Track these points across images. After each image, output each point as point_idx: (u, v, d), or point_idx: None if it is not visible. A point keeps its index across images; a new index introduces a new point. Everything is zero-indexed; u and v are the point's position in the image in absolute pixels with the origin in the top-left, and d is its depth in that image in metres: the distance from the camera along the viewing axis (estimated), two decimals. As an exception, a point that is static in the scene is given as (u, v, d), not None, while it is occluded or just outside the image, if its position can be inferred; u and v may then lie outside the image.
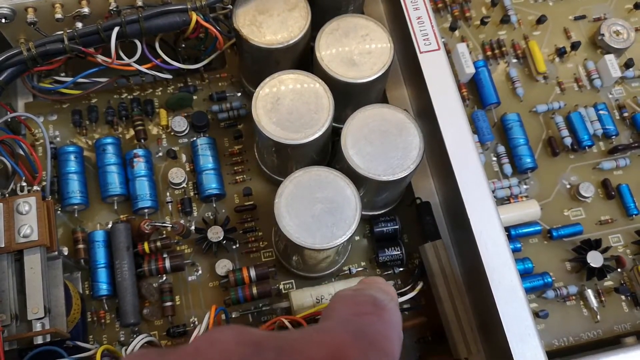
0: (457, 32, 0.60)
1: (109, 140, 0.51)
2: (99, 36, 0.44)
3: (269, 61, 0.48)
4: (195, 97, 0.55)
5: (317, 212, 0.41)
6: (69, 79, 0.48)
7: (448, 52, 0.57)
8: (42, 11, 0.45)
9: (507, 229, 0.50)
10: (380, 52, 0.46)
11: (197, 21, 0.45)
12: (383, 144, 0.43)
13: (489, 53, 0.59)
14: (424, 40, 0.45)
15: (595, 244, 0.50)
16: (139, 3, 0.46)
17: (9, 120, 0.48)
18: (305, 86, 0.45)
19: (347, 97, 0.47)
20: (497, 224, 0.41)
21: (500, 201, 0.53)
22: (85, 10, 0.45)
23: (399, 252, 0.48)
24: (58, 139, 0.53)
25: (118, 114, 0.54)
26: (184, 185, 0.52)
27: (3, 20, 0.44)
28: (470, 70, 0.56)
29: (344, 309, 0.30)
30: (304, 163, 0.47)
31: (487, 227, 0.41)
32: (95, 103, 0.54)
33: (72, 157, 0.50)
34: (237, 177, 0.52)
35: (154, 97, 0.55)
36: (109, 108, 0.54)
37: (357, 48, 0.46)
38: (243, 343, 0.23)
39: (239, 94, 0.55)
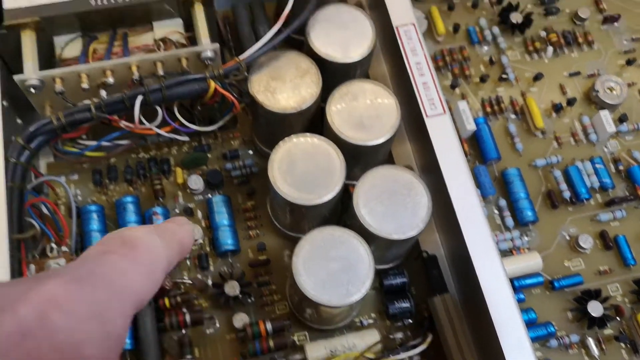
0: (457, 90, 0.63)
1: (129, 199, 0.53)
2: (124, 104, 0.47)
3: (282, 124, 0.50)
4: (209, 156, 0.57)
5: (332, 270, 0.43)
6: (92, 143, 0.51)
7: (449, 109, 0.60)
8: (69, 81, 0.48)
9: (511, 281, 0.52)
10: (388, 115, 0.49)
11: (215, 89, 0.48)
12: (393, 204, 0.46)
13: (488, 109, 0.62)
14: (430, 104, 0.48)
15: (595, 294, 0.52)
16: (160, 72, 0.48)
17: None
18: (317, 148, 0.47)
19: (357, 158, 0.49)
20: (503, 278, 0.43)
21: (503, 253, 0.55)
22: (110, 80, 0.48)
23: (408, 305, 0.50)
24: (79, 197, 0.55)
25: (136, 173, 0.56)
26: (200, 241, 0.54)
27: (32, 90, 0.47)
28: (471, 127, 0.59)
29: (91, 250, 0.31)
30: (316, 220, 0.49)
31: (494, 280, 0.43)
32: (114, 163, 0.57)
33: (94, 215, 0.52)
34: (251, 233, 0.55)
35: (170, 156, 0.57)
36: (128, 167, 0.56)
37: (366, 112, 0.49)
38: None
39: (251, 152, 0.58)
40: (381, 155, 0.52)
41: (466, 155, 0.59)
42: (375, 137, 0.48)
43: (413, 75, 0.49)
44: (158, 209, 0.53)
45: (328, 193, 0.46)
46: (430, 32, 0.66)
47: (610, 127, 0.59)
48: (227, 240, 0.53)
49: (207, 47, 0.49)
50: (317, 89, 0.50)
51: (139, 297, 0.30)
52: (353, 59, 0.51)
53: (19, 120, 0.53)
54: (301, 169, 0.47)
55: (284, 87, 0.50)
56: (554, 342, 0.52)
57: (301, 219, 0.50)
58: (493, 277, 0.44)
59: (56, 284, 0.26)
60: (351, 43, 0.52)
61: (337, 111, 0.49)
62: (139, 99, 0.46)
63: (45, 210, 0.50)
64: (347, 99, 0.49)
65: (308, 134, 0.48)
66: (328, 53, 0.51)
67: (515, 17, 0.65)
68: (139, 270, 0.30)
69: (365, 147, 0.48)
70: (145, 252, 0.31)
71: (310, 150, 0.48)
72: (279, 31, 0.50)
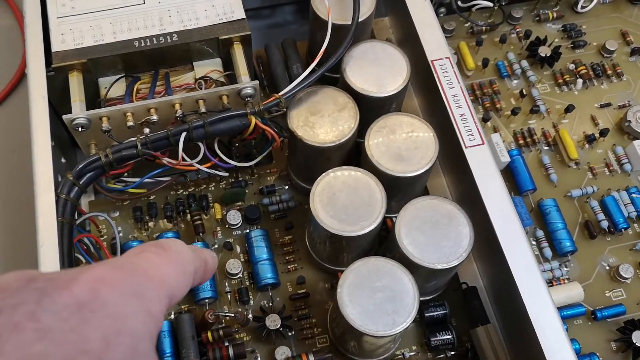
0: (489, 123, 0.64)
1: (169, 234, 0.54)
2: (168, 141, 0.48)
3: (320, 158, 0.51)
4: (247, 192, 0.58)
5: (377, 300, 0.44)
6: (135, 180, 0.52)
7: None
8: (114, 120, 0.49)
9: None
10: (426, 147, 0.49)
11: (255, 124, 0.49)
12: (435, 234, 0.46)
13: (521, 141, 0.63)
14: (468, 135, 0.49)
15: (638, 324, 0.52)
16: (202, 109, 0.50)
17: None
18: (358, 181, 0.48)
19: (395, 189, 0.50)
20: (552, 308, 0.43)
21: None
22: (154, 117, 0.49)
23: (450, 336, 0.50)
24: (121, 234, 0.56)
25: (176, 209, 0.57)
26: (240, 275, 0.54)
27: (80, 129, 0.48)
28: (505, 159, 0.59)
29: (128, 251, 0.34)
30: (355, 252, 0.50)
31: (543, 311, 0.43)
32: (153, 200, 0.57)
33: (136, 252, 0.53)
34: (290, 267, 0.55)
35: (208, 192, 0.58)
36: (167, 204, 0.57)
37: (404, 144, 0.50)
38: (19, 278, 0.27)
39: (287, 187, 0.59)
40: (418, 187, 0.53)
41: (501, 187, 0.60)
42: (414, 169, 0.49)
43: (450, 107, 0.50)
44: (198, 244, 0.54)
45: (370, 224, 0.46)
46: (460, 67, 0.67)
47: (644, 157, 0.60)
48: (267, 274, 0.53)
49: (247, 84, 0.51)
50: (355, 122, 0.51)
51: (172, 289, 0.33)
52: (389, 92, 0.52)
53: (63, 160, 0.54)
54: (342, 201, 0.47)
55: (323, 122, 0.51)
56: (598, 373, 0.51)
57: (341, 252, 0.50)
58: (541, 307, 0.44)
59: (102, 268, 0.29)
60: (386, 78, 0.53)
61: (376, 144, 0.50)
62: (183, 135, 0.48)
63: (90, 246, 0.51)
64: (385, 132, 0.50)
65: (348, 167, 0.49)
66: (364, 87, 0.52)
67: (544, 51, 0.66)
68: (171, 266, 0.33)
69: (404, 178, 0.48)
70: (175, 254, 0.34)
71: (350, 183, 0.48)
72: (315, 69, 0.51)
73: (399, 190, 0.51)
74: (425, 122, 0.50)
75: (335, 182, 0.48)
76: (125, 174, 0.53)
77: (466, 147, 0.48)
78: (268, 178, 0.59)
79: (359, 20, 0.54)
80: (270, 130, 0.50)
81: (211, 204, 0.58)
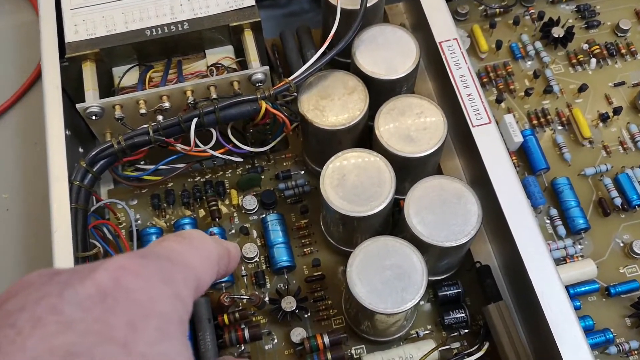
0: (502, 104, 0.64)
1: (186, 220, 0.55)
2: (179, 127, 0.49)
3: (332, 141, 0.52)
4: (262, 177, 0.59)
5: (386, 278, 0.44)
6: (150, 167, 0.53)
7: (496, 123, 0.61)
8: (127, 107, 0.50)
9: (566, 288, 0.52)
10: (435, 128, 0.50)
11: (266, 109, 0.50)
12: (444, 213, 0.47)
13: (534, 122, 0.63)
14: (475, 115, 0.49)
15: (653, 299, 0.52)
16: (213, 95, 0.51)
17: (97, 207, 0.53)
18: (367, 162, 0.49)
19: (406, 171, 0.51)
20: (559, 284, 0.44)
21: (557, 262, 0.55)
22: (166, 104, 0.50)
23: (464, 315, 0.51)
24: (139, 221, 0.58)
25: (193, 196, 0.58)
26: (256, 259, 0.55)
27: (94, 118, 0.50)
28: (518, 139, 0.59)
29: (151, 244, 0.35)
30: (368, 233, 0.50)
31: (549, 287, 0.43)
32: (171, 187, 0.59)
33: (154, 237, 0.54)
34: (305, 250, 0.56)
35: (224, 178, 0.59)
36: (184, 191, 0.58)
37: (413, 125, 0.50)
38: (43, 274, 0.28)
39: (303, 172, 0.59)
40: (430, 167, 0.53)
41: (515, 167, 0.60)
42: (423, 149, 0.49)
43: (458, 87, 0.50)
44: (215, 229, 0.55)
45: (380, 205, 0.47)
46: (473, 50, 0.67)
47: (659, 134, 0.59)
48: (282, 257, 0.54)
49: (257, 69, 0.51)
50: (364, 105, 0.51)
51: (198, 275, 0.33)
52: (398, 75, 0.52)
53: (80, 149, 0.55)
54: (352, 183, 0.48)
55: (333, 105, 0.51)
56: (613, 349, 0.51)
57: (353, 233, 0.51)
58: (547, 283, 0.44)
59: (123, 257, 0.29)
60: (396, 60, 0.53)
61: (385, 125, 0.50)
62: (194, 121, 0.49)
63: (107, 233, 0.52)
64: (395, 114, 0.51)
65: (358, 148, 0.49)
66: (374, 71, 0.53)
67: (557, 32, 0.66)
68: (194, 252, 0.34)
69: (413, 159, 0.49)
70: (198, 241, 0.35)
71: (360, 164, 0.49)
72: (325, 53, 0.52)
73: (410, 171, 0.51)
74: (435, 104, 0.51)
75: (345, 164, 0.49)
76: (142, 162, 0.54)
77: (473, 127, 0.48)
78: (284, 163, 0.60)
79: (368, 5, 0.55)
80: (281, 115, 0.51)
81: (228, 190, 0.59)
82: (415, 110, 0.51)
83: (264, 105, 0.50)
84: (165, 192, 0.58)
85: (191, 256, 0.33)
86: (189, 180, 0.59)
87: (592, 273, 0.53)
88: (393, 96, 0.52)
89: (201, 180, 0.59)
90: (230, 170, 0.60)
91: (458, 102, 0.50)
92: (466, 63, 0.51)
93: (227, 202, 0.58)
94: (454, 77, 0.50)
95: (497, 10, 0.69)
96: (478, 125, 0.48)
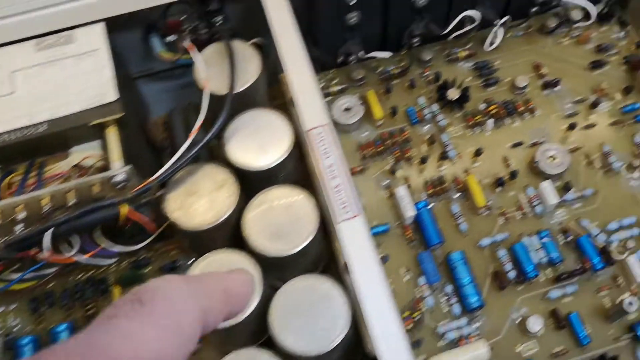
0: (398, 174, 0.62)
1: (63, 326, 0.53)
2: (34, 240, 0.47)
3: (202, 240, 0.50)
4: (149, 269, 0.57)
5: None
6: (17, 275, 0.51)
7: (391, 195, 0.60)
8: (-22, 220, 0.48)
9: (456, 376, 0.51)
10: (307, 222, 0.48)
11: (126, 213, 0.48)
12: (310, 318, 0.44)
13: (430, 191, 0.61)
14: (342, 208, 0.46)
15: (546, 382, 0.50)
16: (72, 202, 0.48)
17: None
18: (233, 264, 0.47)
19: (279, 268, 0.48)
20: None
21: (451, 344, 0.53)
22: (21, 215, 0.48)
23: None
24: (19, 326, 0.55)
25: (72, 297, 0.55)
26: None
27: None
28: (410, 213, 0.57)
29: (98, 317, 0.28)
30: (242, 339, 0.48)
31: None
32: (51, 288, 0.56)
33: (25, 349, 0.52)
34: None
35: (107, 274, 0.57)
36: (65, 290, 0.55)
37: (284, 219, 0.48)
38: None
39: (189, 264, 0.57)
40: (308, 259, 0.51)
41: (411, 241, 0.58)
42: (293, 246, 0.47)
43: (324, 179, 0.47)
44: (93, 334, 0.52)
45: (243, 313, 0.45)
46: (369, 117, 0.65)
47: (553, 198, 0.57)
48: None
49: (118, 171, 0.49)
50: (234, 201, 0.49)
51: (161, 353, 0.27)
52: (269, 165, 0.50)
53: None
54: (218, 287, 0.46)
55: (201, 202, 0.49)
56: None
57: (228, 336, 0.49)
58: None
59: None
60: (269, 148, 0.51)
61: (253, 223, 0.48)
62: (48, 233, 0.46)
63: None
64: (263, 208, 0.49)
65: (224, 249, 0.47)
66: (244, 162, 0.51)
67: (452, 94, 0.65)
68: (153, 326, 0.27)
69: (282, 258, 0.47)
70: (161, 304, 0.28)
71: (228, 266, 0.47)
72: (195, 143, 0.50)
73: (286, 268, 0.49)
74: (308, 194, 0.49)
75: (212, 265, 0.47)
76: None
77: (338, 223, 0.46)
78: (170, 254, 0.58)
79: (241, 89, 0.53)
80: (142, 219, 0.48)
81: (110, 287, 0.56)
82: (285, 204, 0.49)
83: (123, 209, 0.48)
84: (45, 294, 0.56)
85: (147, 334, 0.27)
86: (69, 279, 0.57)
87: (483, 356, 0.51)
88: (269, 186, 0.50)
89: (83, 277, 0.57)
90: (115, 265, 0.57)
91: (324, 195, 0.48)
92: (336, 150, 0.49)
93: (109, 301, 0.56)
94: (321, 168, 0.48)
95: (393, 72, 0.68)
96: (343, 221, 0.46)
